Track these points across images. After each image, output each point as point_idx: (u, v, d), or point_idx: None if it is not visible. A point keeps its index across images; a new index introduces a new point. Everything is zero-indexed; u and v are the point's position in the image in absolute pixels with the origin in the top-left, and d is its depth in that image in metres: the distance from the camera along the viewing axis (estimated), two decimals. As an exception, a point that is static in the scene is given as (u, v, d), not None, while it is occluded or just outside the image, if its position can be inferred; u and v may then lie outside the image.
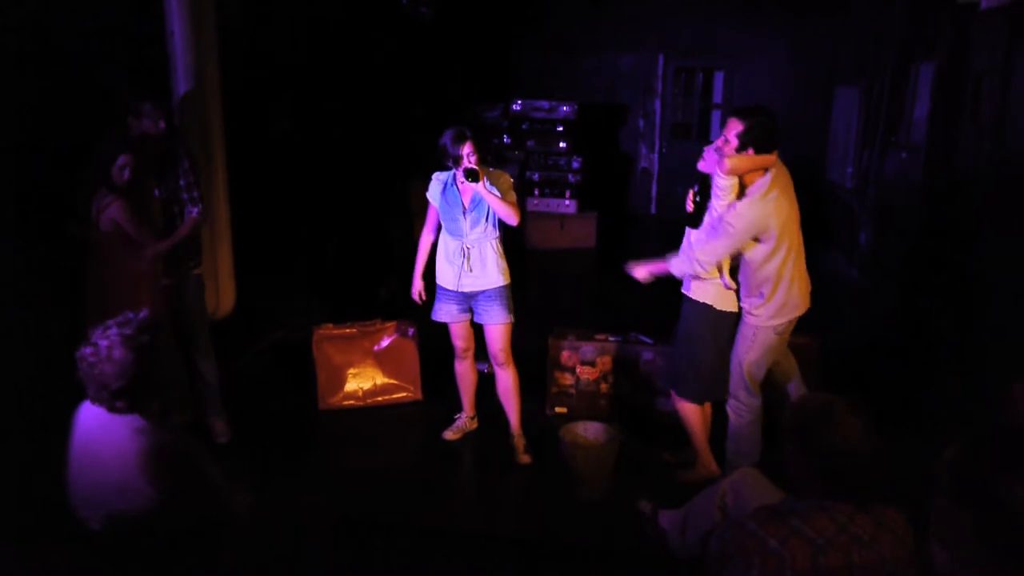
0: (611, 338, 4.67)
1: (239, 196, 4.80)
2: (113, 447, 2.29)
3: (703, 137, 10.64)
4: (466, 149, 3.85)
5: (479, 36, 9.31)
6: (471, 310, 4.13)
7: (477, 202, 3.96)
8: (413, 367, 4.84)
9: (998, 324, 4.12)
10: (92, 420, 2.34)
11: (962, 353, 4.44)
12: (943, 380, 4.35)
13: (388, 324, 4.84)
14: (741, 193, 3.42)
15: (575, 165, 9.05)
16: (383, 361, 4.82)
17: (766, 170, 3.40)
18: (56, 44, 3.79)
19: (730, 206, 3.40)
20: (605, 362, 4.63)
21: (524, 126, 9.05)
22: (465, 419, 4.45)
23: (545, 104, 9.10)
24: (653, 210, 10.51)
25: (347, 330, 4.79)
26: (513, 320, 4.10)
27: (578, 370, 4.67)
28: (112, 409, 2.29)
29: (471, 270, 4.00)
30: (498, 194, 3.89)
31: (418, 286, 4.24)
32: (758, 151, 3.37)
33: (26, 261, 3.69)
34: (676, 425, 4.54)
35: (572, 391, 4.69)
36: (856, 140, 7.66)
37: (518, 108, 9.09)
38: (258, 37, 5.59)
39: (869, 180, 7.12)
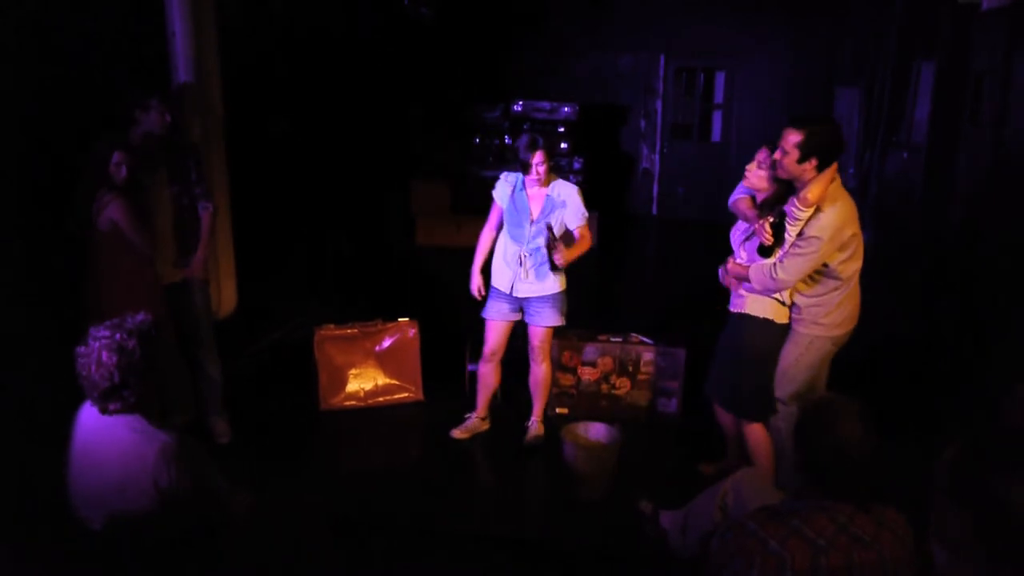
0: (612, 339, 4.67)
1: (240, 196, 4.80)
2: (113, 448, 2.30)
3: (704, 138, 10.64)
4: (537, 158, 3.88)
5: (480, 36, 9.31)
6: (521, 311, 4.18)
7: (546, 214, 4.00)
8: (414, 368, 4.84)
9: (999, 324, 4.11)
10: (93, 421, 2.34)
11: (963, 353, 4.44)
12: (944, 380, 4.34)
13: (390, 324, 4.84)
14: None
15: (576, 166, 9.04)
16: (384, 361, 4.82)
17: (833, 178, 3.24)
18: (56, 44, 3.79)
19: (808, 221, 3.18)
20: (606, 363, 4.63)
21: (525, 127, 9.04)
22: (476, 419, 4.46)
23: (546, 105, 9.08)
24: (654, 211, 10.50)
25: (348, 330, 4.78)
26: (563, 323, 4.16)
27: (579, 370, 4.67)
28: (104, 411, 2.30)
29: (527, 276, 4.05)
30: (578, 250, 4.02)
31: (477, 281, 4.21)
32: (823, 162, 3.16)
33: (26, 261, 3.69)
34: (677, 426, 4.56)
35: (573, 391, 4.69)
36: (857, 140, 7.65)
37: (519, 109, 9.08)
38: (258, 37, 5.59)
39: (870, 180, 7.11)
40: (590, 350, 4.64)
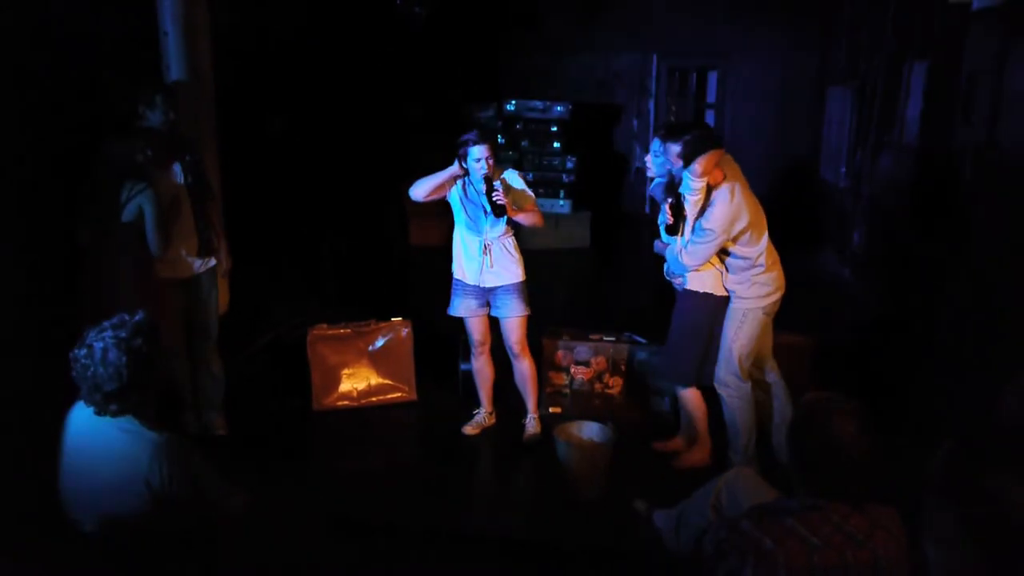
0: (605, 338, 4.68)
1: (233, 196, 4.79)
2: (106, 449, 2.29)
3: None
4: (484, 152, 3.92)
5: (473, 36, 9.31)
6: (488, 304, 4.18)
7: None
8: (408, 367, 4.83)
9: (991, 323, 4.13)
10: (84, 422, 2.33)
11: (955, 352, 4.45)
12: (936, 379, 4.36)
13: (382, 324, 4.84)
14: (707, 195, 3.64)
15: (569, 165, 9.04)
16: (378, 361, 4.81)
17: (724, 174, 3.63)
18: (47, 43, 3.78)
19: (703, 211, 3.62)
20: (599, 362, 4.64)
21: (518, 126, 9.04)
22: (483, 414, 4.47)
23: (539, 104, 9.09)
24: (647, 210, 10.50)
25: (341, 330, 4.78)
26: (530, 312, 4.19)
27: (572, 370, 4.67)
28: (104, 412, 2.28)
29: (492, 266, 4.06)
30: (528, 213, 4.04)
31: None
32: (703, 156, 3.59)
33: (24, 260, 3.67)
34: (671, 425, 4.56)
35: (566, 391, 4.70)
36: (849, 139, 7.67)
37: (512, 108, 9.08)
38: (252, 38, 5.58)
39: (862, 179, 7.14)
40: (583, 349, 4.65)
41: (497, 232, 4.08)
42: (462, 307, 4.20)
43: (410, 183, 4.15)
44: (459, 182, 4.09)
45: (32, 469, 2.54)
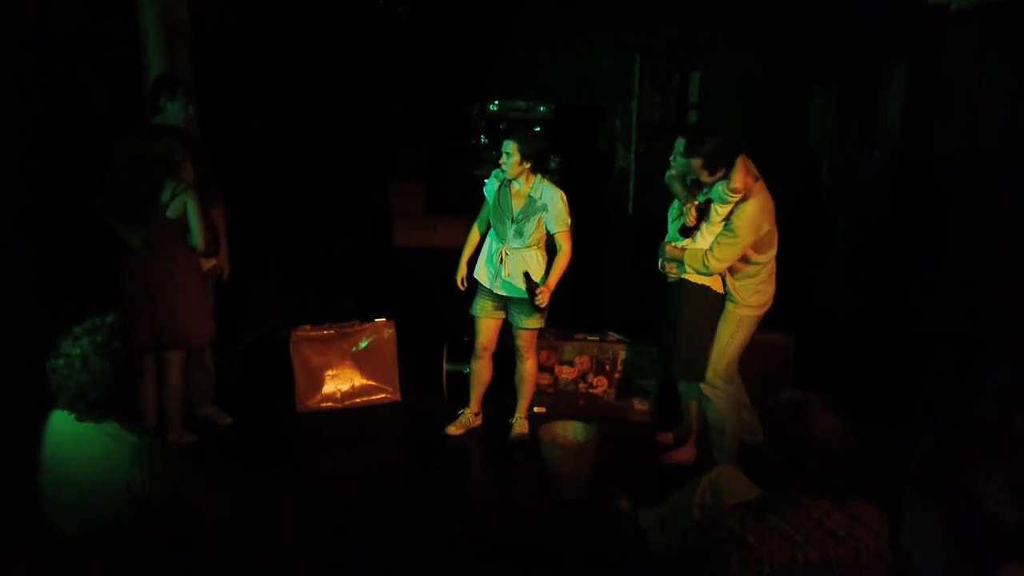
0: (589, 337, 4.69)
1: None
2: (87, 453, 2.27)
3: (680, 137, 10.66)
4: (507, 148, 3.90)
5: (456, 35, 9.30)
6: (504, 310, 4.18)
7: (527, 214, 3.99)
8: (392, 368, 4.82)
9: (970, 321, 4.16)
10: (65, 426, 2.31)
11: (935, 349, 4.49)
12: (916, 377, 4.39)
13: (366, 325, 4.82)
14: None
15: (552, 165, 9.05)
16: (361, 362, 4.79)
17: (756, 177, 3.60)
18: (27, 44, 3.74)
19: (729, 213, 3.56)
20: (584, 361, 4.65)
21: (501, 126, 9.04)
22: (469, 414, 4.46)
23: (523, 104, 9.10)
24: (630, 210, 10.53)
25: (325, 332, 4.75)
26: (543, 325, 4.18)
27: (556, 369, 4.67)
28: (87, 417, 2.26)
29: (508, 276, 4.03)
30: (557, 273, 4.02)
31: (461, 273, 4.24)
32: (727, 166, 3.55)
33: (30, 262, 3.66)
34: (655, 424, 4.58)
35: (551, 390, 4.70)
36: (830, 139, 7.73)
37: (495, 108, 9.09)
38: (233, 37, 5.54)
39: (843, 179, 7.19)
40: (567, 349, 4.65)
41: (518, 244, 4.02)
42: (479, 307, 4.20)
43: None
44: (498, 183, 4.05)
45: (28, 474, 2.51)
